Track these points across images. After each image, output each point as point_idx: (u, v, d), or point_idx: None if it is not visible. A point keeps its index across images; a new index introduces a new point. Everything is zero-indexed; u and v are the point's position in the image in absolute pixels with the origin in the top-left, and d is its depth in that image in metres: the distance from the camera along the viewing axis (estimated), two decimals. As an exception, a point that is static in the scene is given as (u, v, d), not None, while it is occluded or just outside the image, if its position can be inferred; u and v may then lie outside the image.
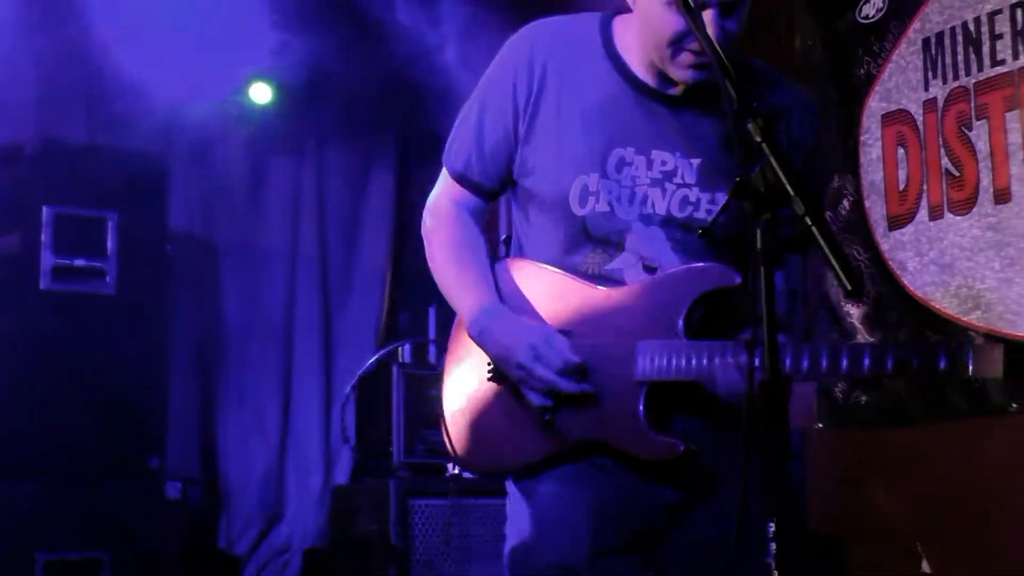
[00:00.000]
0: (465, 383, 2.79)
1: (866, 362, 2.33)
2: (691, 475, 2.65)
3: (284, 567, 5.90)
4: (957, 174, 4.76)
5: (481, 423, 2.74)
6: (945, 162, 4.81)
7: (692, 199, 2.65)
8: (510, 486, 2.79)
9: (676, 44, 2.54)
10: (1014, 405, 4.54)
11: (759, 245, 1.96)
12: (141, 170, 5.15)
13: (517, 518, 2.74)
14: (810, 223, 1.92)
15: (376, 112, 6.44)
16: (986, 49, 4.70)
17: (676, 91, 2.65)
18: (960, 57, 4.79)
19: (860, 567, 4.86)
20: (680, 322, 2.56)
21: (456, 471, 4.40)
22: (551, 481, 2.68)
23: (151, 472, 4.93)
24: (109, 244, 5.02)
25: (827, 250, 1.87)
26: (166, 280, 5.20)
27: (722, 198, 2.63)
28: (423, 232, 2.89)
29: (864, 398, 5.05)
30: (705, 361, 2.51)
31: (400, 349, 4.59)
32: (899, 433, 4.89)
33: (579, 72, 2.69)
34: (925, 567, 4.66)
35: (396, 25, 5.90)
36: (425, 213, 2.88)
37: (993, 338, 4.57)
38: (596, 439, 2.61)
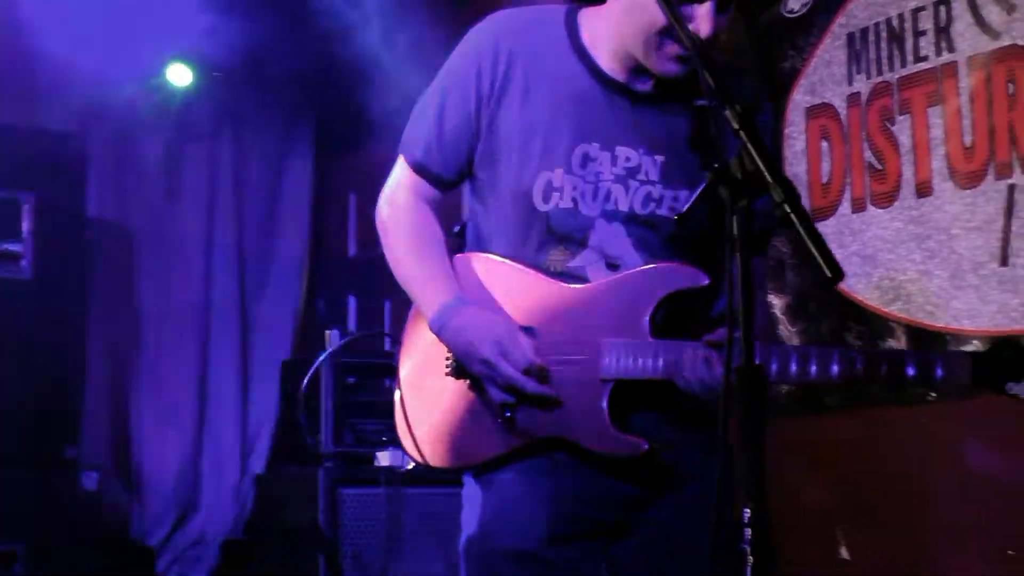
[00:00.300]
0: (423, 378, 2.75)
1: (835, 368, 2.34)
2: (651, 471, 2.65)
3: (198, 559, 5.80)
4: (880, 168, 4.82)
5: (440, 418, 2.71)
6: (868, 156, 4.87)
7: (655, 196, 2.64)
8: (465, 477, 2.76)
9: (665, 33, 2.51)
10: (932, 395, 4.61)
11: (736, 232, 1.92)
12: (59, 152, 5.01)
13: (474, 506, 2.72)
14: (789, 210, 1.91)
15: (294, 97, 6.35)
16: (909, 45, 4.77)
17: (644, 88, 2.64)
18: (884, 53, 4.86)
19: (782, 554, 4.91)
20: (645, 321, 2.56)
21: (385, 461, 4.33)
22: (510, 471, 2.66)
23: (67, 461, 4.81)
24: (25, 227, 4.88)
25: (806, 237, 1.87)
26: (84, 265, 5.07)
27: (685, 196, 2.62)
28: (379, 223, 2.83)
29: (784, 387, 5.10)
30: (672, 358, 2.49)
31: (328, 337, 4.52)
32: (818, 422, 4.95)
33: (545, 64, 2.66)
34: (843, 553, 4.72)
35: (316, 4, 5.82)
36: (381, 203, 2.83)
37: (920, 331, 4.64)
38: (558, 436, 2.60)
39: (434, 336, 2.69)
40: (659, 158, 2.63)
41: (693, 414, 2.68)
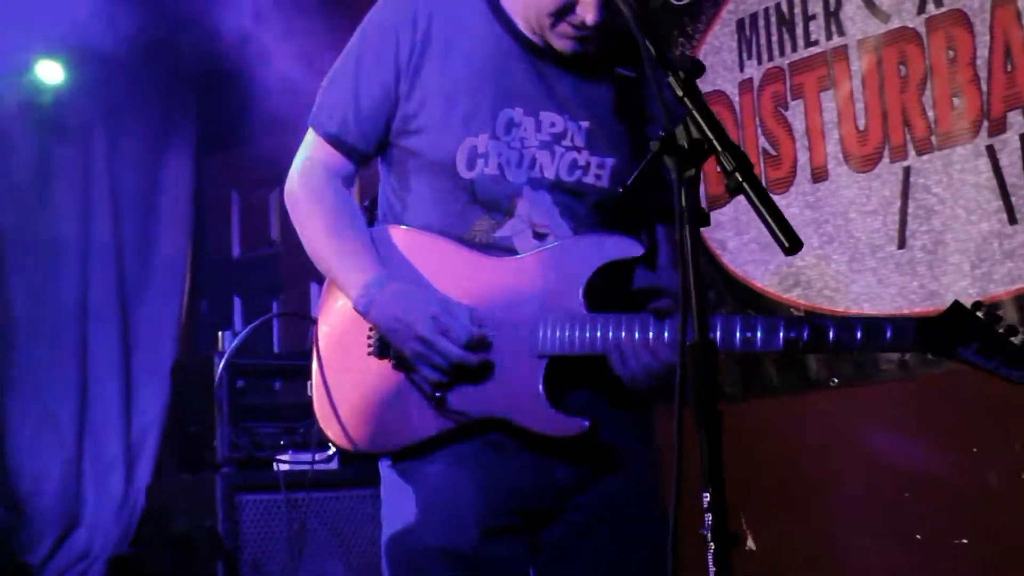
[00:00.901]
0: (342, 359, 2.60)
1: (780, 336, 2.26)
2: (587, 453, 2.54)
3: (83, 575, 5.54)
4: (774, 153, 4.80)
5: (364, 400, 2.56)
6: (762, 141, 4.84)
7: (581, 163, 2.54)
8: (385, 469, 2.62)
9: (557, 16, 2.45)
10: (835, 380, 4.60)
11: (684, 203, 1.82)
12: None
13: (397, 502, 2.58)
14: (741, 179, 1.81)
15: (172, 92, 6.12)
16: (799, 30, 4.75)
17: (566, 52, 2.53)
18: (774, 38, 4.83)
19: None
20: (580, 293, 2.45)
21: (285, 465, 4.16)
22: (438, 462, 2.53)
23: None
24: None
25: (761, 207, 1.77)
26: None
27: (611, 163, 2.54)
28: (289, 199, 2.68)
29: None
30: (611, 335, 2.40)
31: (221, 338, 4.33)
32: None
33: (466, 28, 2.55)
34: (749, 543, 4.68)
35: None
36: (292, 181, 2.68)
37: (821, 314, 4.61)
38: (494, 416, 2.47)
39: (352, 314, 2.55)
40: (584, 124, 2.54)
41: (625, 393, 2.59)
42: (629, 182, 1.92)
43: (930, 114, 4.37)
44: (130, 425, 5.83)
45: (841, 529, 4.53)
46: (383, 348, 2.53)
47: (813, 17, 4.72)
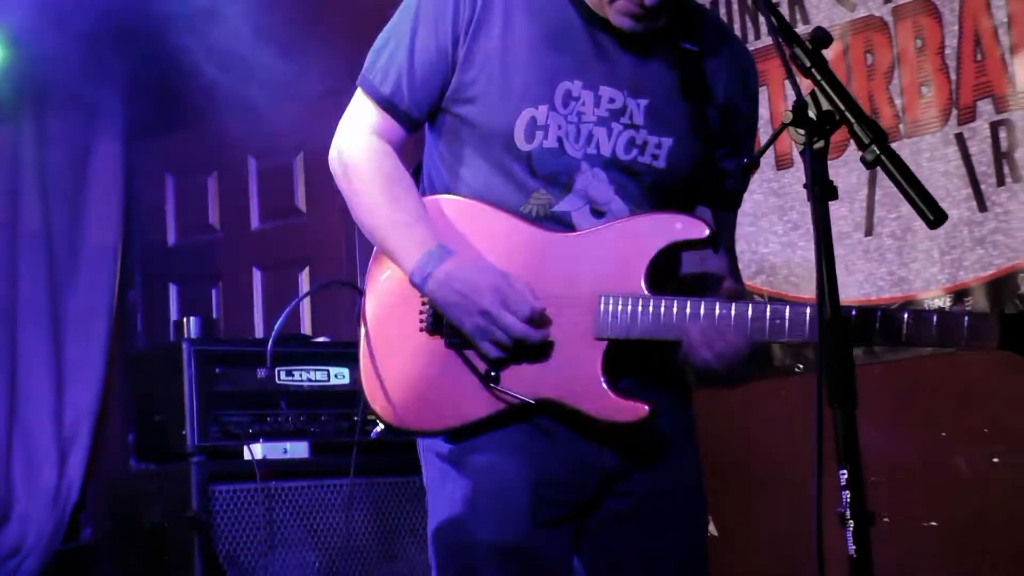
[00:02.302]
0: (391, 334, 2.52)
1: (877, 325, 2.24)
2: (634, 439, 2.49)
3: (15, 572, 5.32)
4: (738, 141, 4.80)
5: (413, 379, 2.49)
6: (725, 129, 4.85)
7: (639, 141, 2.49)
8: (430, 456, 2.55)
9: None
10: (800, 367, 4.62)
11: (812, 177, 1.79)
12: None
13: (444, 491, 2.51)
14: (878, 151, 1.78)
15: (100, 71, 5.90)
16: (763, 17, 4.76)
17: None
18: (737, 25, 4.84)
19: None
20: (642, 274, 2.39)
21: (257, 454, 4.04)
22: (487, 451, 2.46)
23: None
24: None
25: (903, 181, 1.74)
26: None
27: (668, 143, 2.49)
28: (338, 166, 2.57)
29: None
30: (676, 318, 2.35)
31: (186, 323, 4.20)
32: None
33: None
34: (712, 529, 4.68)
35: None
36: (340, 145, 2.57)
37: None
38: (549, 399, 2.41)
39: (402, 286, 2.49)
40: (643, 102, 2.48)
41: (671, 375, 2.56)
42: (756, 155, 1.87)
43: (898, 102, 4.41)
44: (62, 417, 5.62)
45: (806, 513, 4.55)
46: (436, 324, 2.47)
47: (777, 4, 4.74)
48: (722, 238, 2.59)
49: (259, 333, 5.70)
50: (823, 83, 1.86)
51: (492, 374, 2.41)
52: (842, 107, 1.85)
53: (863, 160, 1.83)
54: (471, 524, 2.45)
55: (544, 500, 2.45)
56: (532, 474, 2.44)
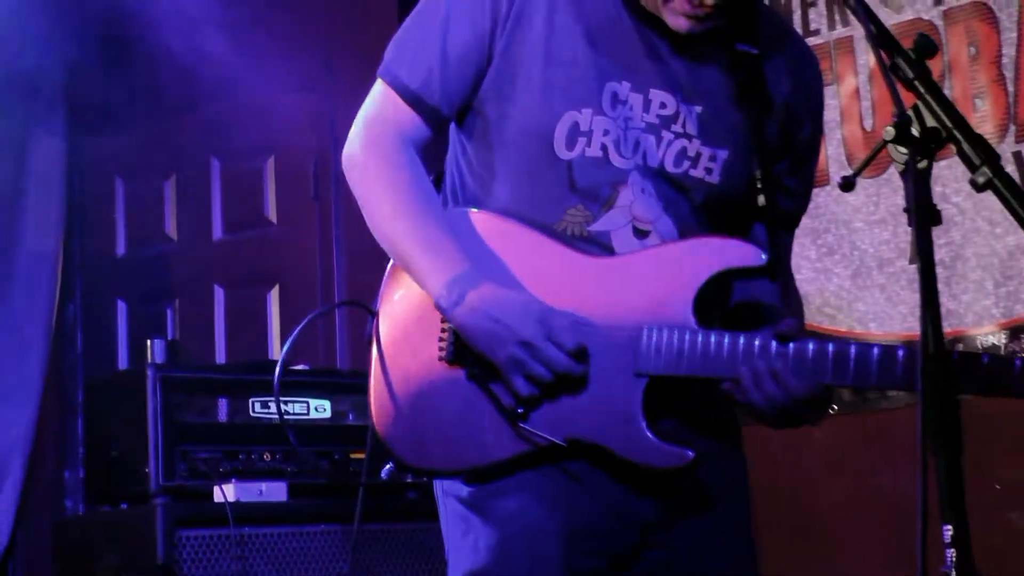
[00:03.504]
0: (407, 361, 2.53)
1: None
2: (676, 486, 2.50)
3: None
4: (768, 154, 4.86)
5: (431, 412, 2.51)
6: (754, 140, 4.90)
7: (691, 153, 2.50)
8: (449, 500, 2.56)
9: None
10: (834, 408, 4.67)
11: (915, 200, 1.83)
12: None
13: (467, 540, 2.52)
14: (991, 174, 1.83)
15: (40, 61, 5.88)
16: (797, 17, 4.83)
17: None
18: (797, 15, 4.88)
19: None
20: (691, 304, 2.41)
21: (229, 496, 4.04)
22: (514, 495, 2.47)
23: None
24: None
25: (1016, 206, 1.79)
26: None
27: (723, 155, 2.51)
28: (353, 169, 2.57)
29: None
30: (726, 356, 2.36)
31: (150, 347, 4.19)
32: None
33: None
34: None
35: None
36: (356, 144, 2.57)
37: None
38: (582, 440, 2.43)
39: (419, 308, 2.50)
40: (697, 108, 2.50)
41: (720, 417, 2.59)
42: (854, 173, 1.91)
43: (949, 116, 4.48)
44: (-10, 446, 5.58)
45: (845, 570, 4.60)
46: (459, 353, 2.48)
47: (813, 4, 4.80)
48: (778, 263, 2.62)
49: (220, 358, 5.69)
50: (927, 97, 1.90)
51: (519, 411, 2.42)
52: (949, 123, 1.89)
53: (972, 183, 1.87)
54: None
55: (578, 552, 2.46)
56: (566, 522, 2.46)
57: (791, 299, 2.70)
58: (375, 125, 2.57)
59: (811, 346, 2.34)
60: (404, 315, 2.55)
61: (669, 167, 2.50)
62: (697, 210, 2.53)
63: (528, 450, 2.44)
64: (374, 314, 2.59)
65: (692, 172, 2.51)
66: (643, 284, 2.44)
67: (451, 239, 2.47)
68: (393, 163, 2.53)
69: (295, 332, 2.69)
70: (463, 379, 2.47)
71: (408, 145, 2.55)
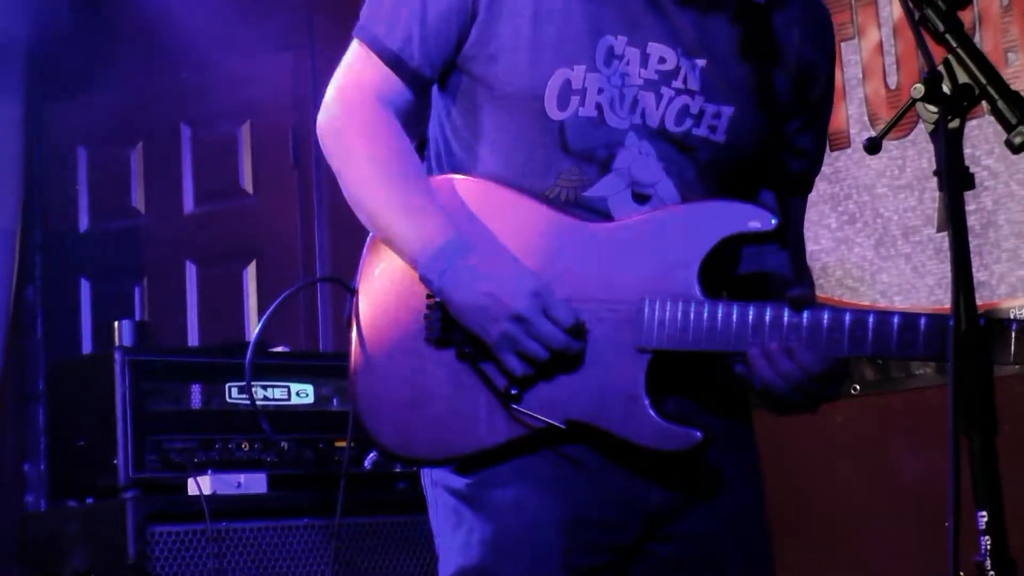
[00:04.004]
0: (391, 341, 2.53)
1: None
2: (685, 472, 2.50)
3: None
4: (784, 114, 4.86)
5: (416, 396, 2.50)
6: (768, 100, 4.90)
7: (694, 110, 2.49)
8: (439, 492, 2.55)
9: None
10: (856, 388, 4.68)
11: (946, 163, 1.83)
12: None
13: (458, 534, 2.51)
14: (1028, 135, 1.82)
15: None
16: (815, -33, 4.82)
17: None
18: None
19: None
20: (696, 273, 2.40)
21: (205, 488, 4.04)
22: (510, 485, 2.46)
23: None
24: None
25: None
26: None
27: (728, 112, 2.50)
28: (328, 135, 2.57)
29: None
30: (735, 329, 2.36)
31: (117, 329, 4.19)
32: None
33: None
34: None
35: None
36: (332, 109, 2.57)
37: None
38: (581, 422, 2.42)
39: (402, 283, 2.50)
40: (700, 62, 2.49)
41: (729, 396, 2.58)
42: (878, 136, 1.90)
43: (979, 72, 4.47)
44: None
45: (868, 567, 4.60)
46: (446, 331, 2.47)
47: (826, -50, 4.79)
48: (789, 230, 2.62)
49: (193, 341, 5.69)
50: (960, 51, 1.90)
51: (513, 392, 2.42)
52: (983, 80, 1.88)
53: (1009, 144, 1.87)
54: (493, 573, 2.46)
55: (580, 544, 2.46)
56: (565, 513, 2.45)
57: (804, 272, 2.71)
58: (352, 89, 2.56)
59: (826, 315, 2.34)
60: (386, 292, 2.54)
61: (670, 126, 2.49)
62: (702, 172, 2.52)
63: (523, 434, 2.43)
64: (353, 292, 2.58)
65: (695, 131, 2.50)
66: (644, 252, 2.43)
67: (436, 208, 2.47)
68: (372, 130, 2.53)
69: (268, 311, 2.69)
70: (452, 359, 2.47)
71: (388, 110, 2.54)
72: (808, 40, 2.60)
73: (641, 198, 2.48)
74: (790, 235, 2.65)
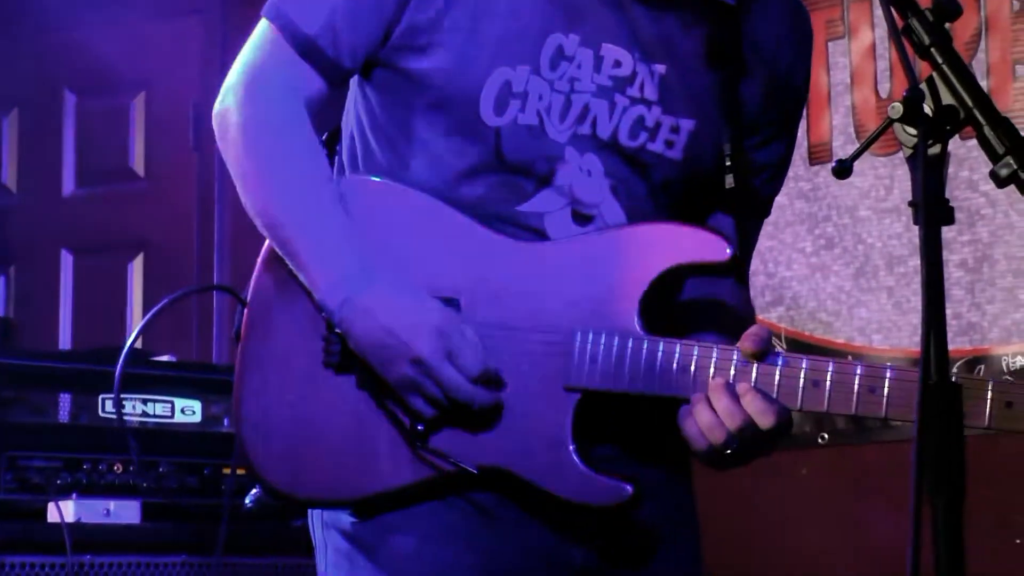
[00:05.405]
0: (283, 364, 2.55)
1: None
2: (612, 528, 2.53)
3: None
4: (759, 121, 4.91)
5: (310, 428, 2.52)
6: (742, 103, 4.95)
7: (649, 123, 2.52)
8: (331, 534, 2.57)
9: None
10: (824, 436, 4.74)
11: (923, 192, 1.88)
12: None
13: None
14: (1016, 165, 1.89)
15: None
16: (803, -46, 4.88)
17: None
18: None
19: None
20: (637, 305, 2.43)
21: (68, 515, 4.05)
22: (411, 532, 2.49)
23: None
24: None
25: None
26: None
27: (688, 126, 2.54)
28: (225, 128, 2.58)
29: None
30: (678, 374, 2.39)
31: (-20, 323, 4.20)
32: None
33: None
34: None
35: None
36: (233, 98, 2.57)
37: (809, 348, 4.73)
38: (497, 467, 2.44)
39: (302, 300, 2.51)
40: (659, 68, 2.52)
41: (663, 443, 2.58)
42: (849, 159, 1.95)
43: (983, 84, 4.53)
44: None
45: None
46: (347, 357, 2.49)
47: (818, -59, 4.86)
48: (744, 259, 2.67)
49: (65, 343, 5.68)
50: (945, 68, 1.93)
51: (419, 429, 2.44)
52: (969, 102, 1.92)
53: (994, 175, 1.91)
54: None
55: None
56: (476, 566, 2.48)
57: (747, 300, 2.75)
58: (257, 77, 2.57)
59: (780, 362, 2.38)
60: (282, 307, 2.56)
61: (623, 139, 2.52)
62: (653, 192, 2.55)
63: (429, 477, 2.46)
64: (244, 304, 2.60)
65: (650, 146, 2.53)
66: (579, 278, 2.46)
67: (341, 226, 2.49)
68: (277, 128, 2.55)
69: (148, 316, 2.70)
70: (352, 387, 2.49)
71: (298, 104, 2.55)
72: (786, 43, 2.63)
73: (583, 219, 2.51)
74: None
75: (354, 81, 2.64)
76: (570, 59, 2.49)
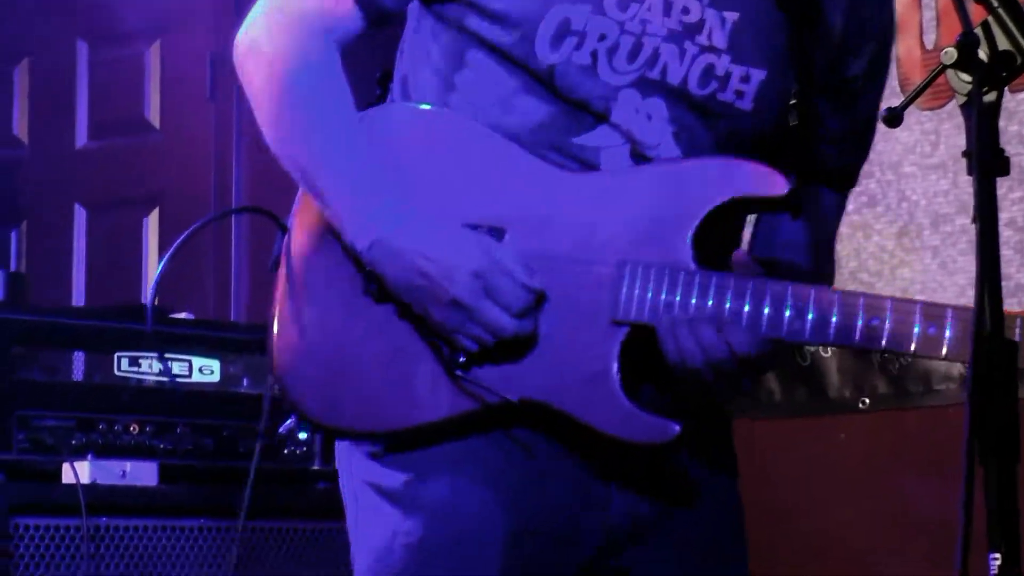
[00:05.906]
0: (323, 292, 2.58)
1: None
2: (655, 478, 2.56)
3: None
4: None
5: (349, 357, 2.55)
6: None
7: (720, 71, 2.52)
8: (360, 487, 2.59)
9: None
10: (865, 401, 4.74)
11: (978, 142, 1.89)
12: None
13: (375, 536, 2.56)
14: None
15: None
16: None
17: None
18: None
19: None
20: (689, 237, 2.44)
21: (83, 476, 4.08)
22: (444, 475, 2.51)
23: None
24: None
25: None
26: None
27: (759, 76, 2.53)
28: (248, 61, 2.60)
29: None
30: (729, 304, 2.40)
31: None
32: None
33: None
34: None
35: None
36: (258, 31, 2.60)
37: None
38: (538, 401, 2.46)
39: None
40: (730, 16, 2.52)
41: (709, 403, 2.64)
42: (900, 107, 1.95)
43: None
44: None
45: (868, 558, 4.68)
46: (383, 288, 2.51)
47: None
48: (817, 229, 2.67)
49: (78, 300, 5.70)
50: (1001, 12, 1.94)
51: (460, 360, 2.46)
52: (1024, 45, 1.93)
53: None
54: None
55: (522, 560, 2.51)
56: (508, 522, 2.49)
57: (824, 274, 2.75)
58: (287, 9, 2.59)
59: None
60: (324, 234, 2.57)
61: (693, 87, 2.52)
62: (720, 143, 2.55)
63: (468, 410, 2.48)
64: (285, 229, 2.62)
65: (720, 95, 2.53)
66: (631, 209, 2.47)
67: (371, 167, 2.52)
68: (311, 64, 2.56)
69: (175, 245, 2.71)
70: (391, 316, 2.51)
71: (331, 43, 2.57)
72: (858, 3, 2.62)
73: (641, 158, 2.52)
74: (814, 229, 2.67)
75: (411, 16, 2.64)
76: (640, 1, 2.49)
